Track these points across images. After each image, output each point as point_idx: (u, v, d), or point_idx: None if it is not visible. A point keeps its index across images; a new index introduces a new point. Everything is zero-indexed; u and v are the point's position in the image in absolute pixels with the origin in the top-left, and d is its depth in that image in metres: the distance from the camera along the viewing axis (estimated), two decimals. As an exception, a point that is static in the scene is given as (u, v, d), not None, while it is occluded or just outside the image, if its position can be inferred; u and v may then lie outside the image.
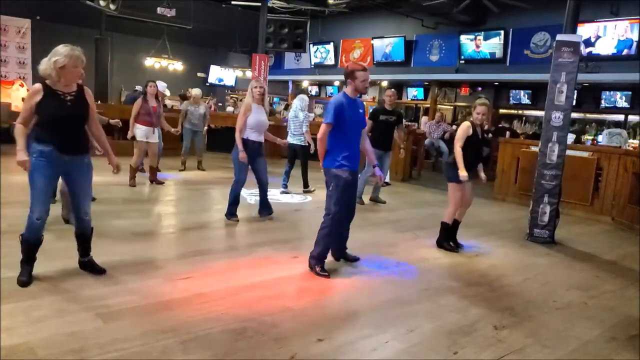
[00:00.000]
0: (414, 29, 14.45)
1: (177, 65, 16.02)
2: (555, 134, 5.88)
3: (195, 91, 9.75)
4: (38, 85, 3.34)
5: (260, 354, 2.77)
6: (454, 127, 13.08)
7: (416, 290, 4.05)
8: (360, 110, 4.29)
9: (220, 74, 18.41)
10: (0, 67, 13.83)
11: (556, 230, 5.99)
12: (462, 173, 4.92)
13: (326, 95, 19.25)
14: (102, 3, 11.02)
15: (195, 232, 5.25)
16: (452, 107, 16.17)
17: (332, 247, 4.34)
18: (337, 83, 18.26)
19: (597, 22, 10.73)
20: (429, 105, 15.35)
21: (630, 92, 11.99)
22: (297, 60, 18.12)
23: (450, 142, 12.14)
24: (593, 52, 10.70)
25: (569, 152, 6.52)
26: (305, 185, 8.14)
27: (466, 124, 5.14)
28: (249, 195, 7.48)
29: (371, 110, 7.54)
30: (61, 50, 3.31)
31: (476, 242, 5.70)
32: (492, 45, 12.70)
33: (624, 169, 7.43)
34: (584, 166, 7.79)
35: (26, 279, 3.41)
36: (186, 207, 6.66)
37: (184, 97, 13.47)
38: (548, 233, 5.92)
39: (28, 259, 3.47)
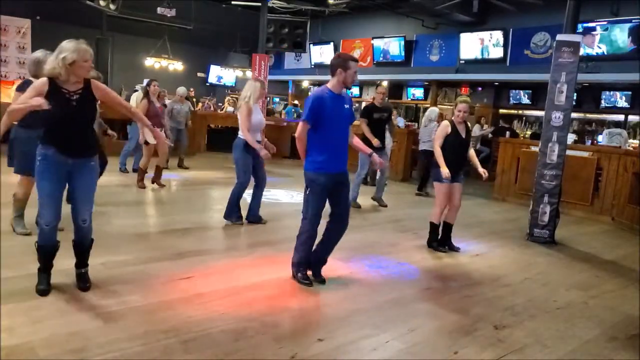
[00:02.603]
0: (414, 29, 14.45)
1: (177, 65, 16.02)
2: (555, 134, 5.88)
3: (181, 90, 9.80)
4: (44, 80, 3.09)
5: (261, 354, 2.77)
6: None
7: (416, 290, 4.05)
8: (346, 106, 3.86)
9: (220, 74, 18.42)
10: (0, 67, 13.83)
11: (556, 230, 5.99)
12: (444, 170, 4.84)
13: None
14: (102, 3, 11.02)
15: (195, 232, 5.25)
16: (452, 107, 16.16)
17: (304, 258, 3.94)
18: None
19: (597, 22, 10.75)
20: (429, 105, 15.32)
21: (630, 92, 11.98)
22: (297, 60, 18.12)
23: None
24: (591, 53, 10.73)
25: (569, 152, 6.52)
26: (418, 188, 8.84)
27: (445, 123, 5.05)
28: (249, 195, 7.47)
29: (363, 109, 7.49)
30: (68, 46, 3.08)
31: (476, 242, 5.70)
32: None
33: (624, 169, 7.43)
34: (584, 166, 7.79)
35: (44, 287, 3.27)
36: (186, 207, 6.66)
37: (186, 97, 13.53)
38: (548, 233, 5.92)
39: (45, 267, 3.31)
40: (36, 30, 14.17)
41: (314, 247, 3.95)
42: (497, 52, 12.68)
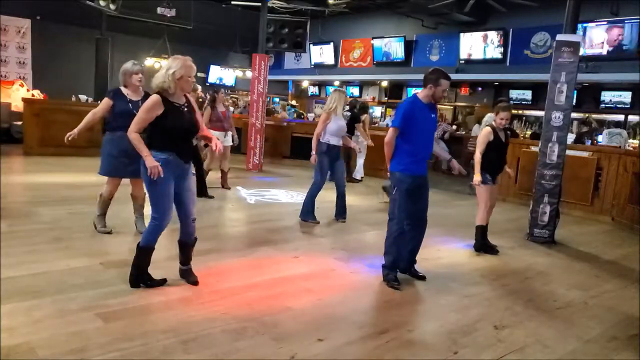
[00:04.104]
0: (414, 29, 14.45)
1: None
2: (555, 134, 5.88)
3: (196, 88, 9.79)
4: (157, 98, 3.37)
5: (261, 354, 2.77)
6: (454, 127, 13.11)
7: (416, 290, 4.05)
8: (433, 115, 4.20)
9: (220, 74, 18.41)
10: (0, 67, 13.83)
11: (556, 230, 6.00)
12: (477, 178, 5.12)
13: (326, 95, 19.23)
14: (102, 3, 11.01)
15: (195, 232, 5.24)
16: (452, 107, 16.17)
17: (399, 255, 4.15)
18: (337, 83, 18.26)
19: (597, 21, 10.75)
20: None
21: (630, 92, 11.98)
22: (297, 60, 18.12)
23: (450, 142, 12.21)
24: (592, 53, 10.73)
25: (569, 152, 6.52)
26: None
27: (488, 130, 5.26)
28: (249, 195, 7.48)
29: (351, 115, 8.76)
30: (176, 62, 3.39)
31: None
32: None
33: (624, 169, 7.43)
34: (584, 166, 7.79)
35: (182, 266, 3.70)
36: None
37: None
38: (548, 233, 5.92)
39: (145, 265, 3.54)
40: (36, 30, 14.17)
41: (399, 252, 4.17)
42: (497, 52, 12.69)
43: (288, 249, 4.84)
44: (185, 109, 3.51)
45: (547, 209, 5.92)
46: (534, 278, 4.58)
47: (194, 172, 7.30)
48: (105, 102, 4.60)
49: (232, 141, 7.69)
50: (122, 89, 4.68)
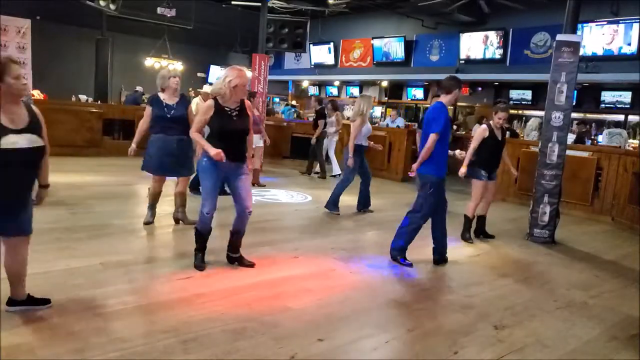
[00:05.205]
0: (414, 29, 14.44)
1: (177, 66, 16.01)
2: (555, 134, 5.88)
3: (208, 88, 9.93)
4: (211, 102, 3.89)
5: (260, 354, 2.77)
6: (454, 127, 13.11)
7: (416, 290, 4.05)
8: None
9: (220, 74, 18.39)
10: (0, 67, 13.81)
11: (556, 230, 6.00)
12: (462, 169, 5.35)
13: (325, 95, 19.23)
14: (102, 3, 11.02)
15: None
16: (452, 107, 16.17)
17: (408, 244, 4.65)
18: (337, 83, 18.25)
19: (597, 21, 10.75)
20: (429, 105, 15.32)
21: (630, 92, 11.98)
22: (297, 60, 18.11)
23: (450, 142, 12.20)
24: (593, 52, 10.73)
25: (569, 152, 6.52)
26: None
27: (483, 127, 5.57)
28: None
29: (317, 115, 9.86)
30: (233, 72, 3.84)
31: (476, 241, 5.69)
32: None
33: (624, 169, 7.43)
34: (584, 166, 7.80)
35: (199, 263, 4.04)
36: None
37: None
38: (548, 233, 5.92)
39: (201, 248, 4.09)
40: (36, 30, 14.16)
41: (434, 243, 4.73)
42: (497, 52, 12.69)
43: (288, 249, 4.84)
44: (235, 114, 3.90)
45: (547, 209, 5.92)
46: (534, 278, 4.59)
47: None
48: (147, 110, 5.07)
49: (264, 142, 8.32)
50: (160, 94, 5.07)
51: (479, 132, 5.57)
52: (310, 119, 12.79)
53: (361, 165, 6.66)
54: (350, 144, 6.43)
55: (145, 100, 4.66)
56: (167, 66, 15.73)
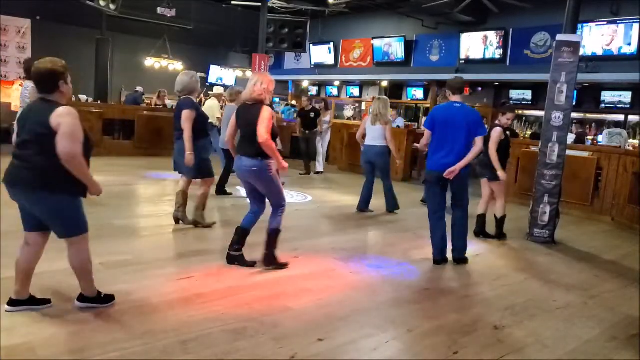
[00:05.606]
0: (414, 29, 14.44)
1: (177, 66, 16.00)
2: (555, 134, 5.88)
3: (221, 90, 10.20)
4: (269, 108, 4.02)
5: (260, 354, 2.77)
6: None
7: (416, 290, 4.05)
8: None
9: (220, 74, 18.39)
10: (0, 67, 13.83)
11: (556, 230, 5.99)
12: (501, 174, 5.52)
13: (326, 94, 19.22)
14: (102, 3, 11.02)
15: (195, 232, 5.25)
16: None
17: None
18: (337, 83, 18.24)
19: (597, 21, 10.75)
20: (429, 105, 15.33)
21: (630, 92, 11.98)
22: (297, 60, 18.11)
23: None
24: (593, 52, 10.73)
25: (569, 152, 6.52)
26: None
27: (500, 130, 5.64)
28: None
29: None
30: (264, 78, 4.06)
31: (476, 242, 5.69)
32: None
33: (624, 169, 7.43)
34: (584, 166, 7.79)
35: (234, 252, 4.17)
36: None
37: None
38: (548, 233, 5.92)
39: (238, 241, 4.20)
40: (36, 30, 14.18)
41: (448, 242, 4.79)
42: (497, 52, 12.69)
43: (288, 249, 4.83)
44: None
45: (547, 209, 5.92)
46: (534, 278, 4.58)
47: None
48: (192, 114, 5.06)
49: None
50: (192, 98, 5.29)
51: (496, 135, 5.60)
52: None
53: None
54: (394, 149, 6.81)
55: (181, 105, 4.59)
56: (167, 66, 15.83)
